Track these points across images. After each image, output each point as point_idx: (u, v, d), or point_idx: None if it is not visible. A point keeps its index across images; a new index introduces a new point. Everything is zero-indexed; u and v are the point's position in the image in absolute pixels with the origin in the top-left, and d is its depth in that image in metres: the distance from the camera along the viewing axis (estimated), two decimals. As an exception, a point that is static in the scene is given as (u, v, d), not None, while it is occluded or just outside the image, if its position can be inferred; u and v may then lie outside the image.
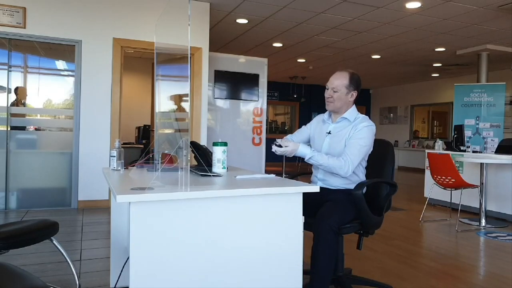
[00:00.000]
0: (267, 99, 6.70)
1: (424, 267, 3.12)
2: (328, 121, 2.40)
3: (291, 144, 2.18)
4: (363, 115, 2.34)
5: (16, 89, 4.96)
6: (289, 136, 2.54)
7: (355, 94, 2.31)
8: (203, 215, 1.55)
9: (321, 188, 2.26)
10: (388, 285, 2.56)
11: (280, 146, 2.21)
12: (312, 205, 2.09)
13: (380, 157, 2.43)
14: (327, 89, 2.33)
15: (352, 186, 2.26)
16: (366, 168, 2.41)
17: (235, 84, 6.32)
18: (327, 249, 2.01)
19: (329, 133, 2.34)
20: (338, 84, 2.29)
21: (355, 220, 2.21)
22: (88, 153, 5.06)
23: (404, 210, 5.54)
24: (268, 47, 7.95)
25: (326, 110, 2.44)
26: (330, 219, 2.05)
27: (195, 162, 2.45)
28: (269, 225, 1.68)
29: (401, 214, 5.27)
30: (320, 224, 2.03)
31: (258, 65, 6.48)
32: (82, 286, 2.51)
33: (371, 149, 2.31)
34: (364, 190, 2.26)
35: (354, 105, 2.36)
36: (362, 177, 2.35)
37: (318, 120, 2.50)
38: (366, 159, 2.35)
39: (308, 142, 2.49)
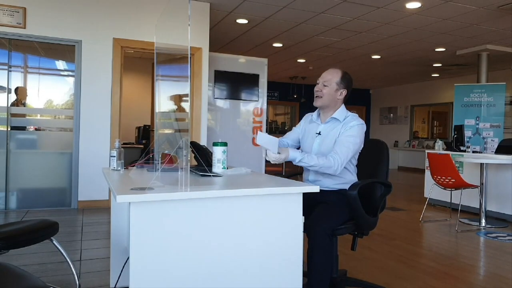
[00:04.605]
0: (267, 99, 6.70)
1: (424, 267, 3.12)
2: (317, 121, 2.37)
3: (283, 151, 2.11)
4: (353, 114, 2.31)
5: (17, 89, 4.96)
6: (280, 139, 2.49)
7: (344, 93, 2.28)
8: (203, 215, 1.55)
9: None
10: (382, 287, 2.55)
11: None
12: (305, 206, 2.07)
13: (374, 157, 2.42)
14: (318, 83, 2.31)
15: (344, 186, 2.24)
16: (361, 168, 2.40)
17: (235, 84, 6.32)
18: (322, 254, 2.00)
19: (319, 133, 2.32)
20: (329, 78, 2.26)
21: (349, 221, 2.20)
22: (88, 153, 5.06)
23: (404, 210, 5.54)
24: (268, 47, 7.95)
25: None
26: (324, 223, 2.03)
27: (195, 162, 2.45)
28: (269, 225, 1.68)
29: (401, 214, 5.27)
30: (313, 229, 2.01)
31: (258, 65, 6.48)
32: (82, 286, 2.52)
33: (361, 148, 2.29)
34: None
35: (343, 105, 2.33)
36: (353, 176, 2.33)
37: (306, 120, 2.47)
38: (357, 157, 2.32)
39: (296, 141, 2.48)
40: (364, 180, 2.27)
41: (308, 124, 2.43)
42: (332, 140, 2.24)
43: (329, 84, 2.25)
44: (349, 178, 2.30)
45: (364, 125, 2.24)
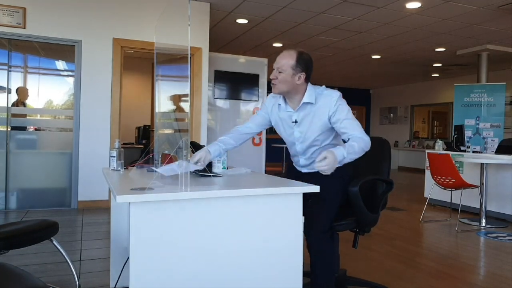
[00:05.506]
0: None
1: (424, 267, 3.12)
2: (288, 109, 2.16)
3: (328, 154, 1.83)
4: (322, 88, 2.12)
5: (17, 90, 4.96)
6: (239, 127, 2.30)
7: (303, 76, 2.06)
8: (203, 215, 1.55)
9: (305, 173, 2.24)
10: (383, 286, 2.56)
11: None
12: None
13: (376, 154, 2.41)
14: (273, 69, 2.10)
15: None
16: (363, 165, 2.37)
17: (235, 84, 6.32)
18: (321, 256, 2.00)
19: (296, 122, 2.15)
20: (283, 63, 2.04)
21: (350, 217, 2.20)
22: (88, 153, 5.06)
23: (404, 210, 5.54)
24: (268, 47, 7.95)
25: None
26: (319, 225, 2.01)
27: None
28: (269, 225, 1.67)
29: (401, 214, 5.27)
30: (309, 234, 2.00)
31: (258, 65, 6.48)
32: (82, 286, 2.51)
33: None
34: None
35: (309, 85, 2.12)
36: None
37: (273, 103, 2.24)
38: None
39: (265, 127, 2.33)
40: (365, 176, 2.26)
41: (279, 113, 2.22)
42: (311, 124, 2.11)
43: (283, 70, 2.05)
44: None
45: (340, 94, 2.10)
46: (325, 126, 2.11)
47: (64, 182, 5.10)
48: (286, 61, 2.05)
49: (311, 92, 2.11)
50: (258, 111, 2.33)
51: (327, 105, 2.07)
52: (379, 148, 2.43)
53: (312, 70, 2.12)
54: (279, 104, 2.19)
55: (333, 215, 2.11)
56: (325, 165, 1.82)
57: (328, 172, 1.85)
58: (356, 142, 1.98)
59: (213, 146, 2.13)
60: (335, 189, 2.13)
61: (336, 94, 2.09)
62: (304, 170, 2.27)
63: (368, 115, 14.16)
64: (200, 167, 1.97)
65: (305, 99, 2.09)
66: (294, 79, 2.05)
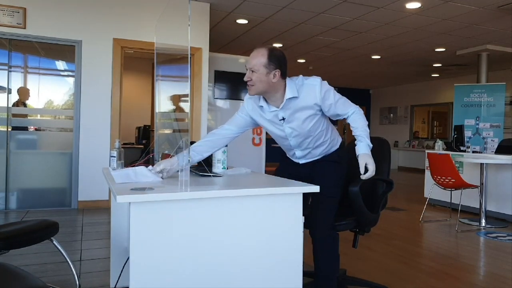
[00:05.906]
0: (267, 99, 6.68)
1: (424, 267, 3.12)
2: (272, 109, 2.08)
3: (361, 157, 2.00)
4: (300, 79, 2.06)
5: (19, 90, 4.96)
6: (217, 130, 2.18)
7: (277, 73, 1.96)
8: (203, 215, 1.55)
9: (303, 164, 2.26)
10: (383, 286, 2.56)
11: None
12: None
13: (376, 154, 2.41)
14: (246, 69, 2.01)
15: (330, 148, 2.22)
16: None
17: (235, 84, 6.32)
18: (330, 255, 2.03)
19: (283, 119, 2.08)
20: (255, 63, 1.96)
21: (350, 217, 2.21)
22: (88, 153, 5.06)
23: (404, 210, 5.54)
24: (268, 47, 7.94)
25: None
26: (324, 225, 2.04)
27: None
28: (269, 225, 1.68)
29: (401, 214, 5.27)
30: (314, 234, 2.03)
31: (258, 65, 6.48)
32: (82, 286, 2.52)
33: None
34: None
35: (287, 79, 2.04)
36: (336, 133, 2.29)
37: (252, 105, 2.16)
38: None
39: (247, 128, 2.23)
40: None
41: (264, 114, 2.13)
42: (300, 117, 2.06)
43: (256, 69, 1.96)
44: (333, 137, 2.26)
45: (320, 78, 2.06)
46: (314, 115, 2.08)
47: (64, 182, 5.10)
48: (258, 60, 1.96)
49: (292, 86, 2.03)
50: (237, 112, 2.23)
51: (312, 95, 2.02)
52: (379, 148, 2.44)
53: (286, 66, 2.03)
54: (261, 106, 2.10)
55: (336, 207, 2.13)
56: (372, 170, 1.97)
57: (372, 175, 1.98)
58: (361, 121, 2.12)
59: (182, 156, 2.02)
60: (335, 178, 2.17)
61: (317, 81, 2.03)
62: (301, 162, 2.27)
63: (368, 115, 14.16)
64: (161, 177, 1.87)
65: (288, 95, 2.02)
66: (269, 77, 1.96)
